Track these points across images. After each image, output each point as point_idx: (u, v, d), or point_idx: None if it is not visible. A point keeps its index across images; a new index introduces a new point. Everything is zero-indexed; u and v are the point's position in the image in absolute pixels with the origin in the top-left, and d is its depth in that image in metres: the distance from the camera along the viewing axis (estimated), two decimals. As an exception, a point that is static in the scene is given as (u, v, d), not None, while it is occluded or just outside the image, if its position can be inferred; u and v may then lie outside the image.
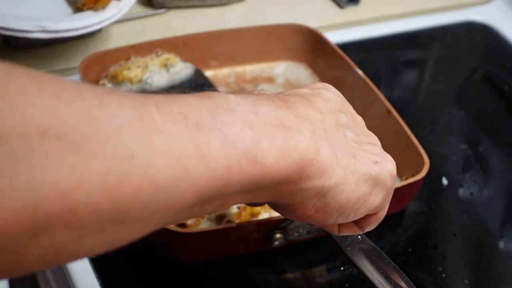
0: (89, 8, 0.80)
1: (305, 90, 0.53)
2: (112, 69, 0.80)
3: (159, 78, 0.81)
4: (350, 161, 0.50)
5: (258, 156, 0.42)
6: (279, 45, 0.87)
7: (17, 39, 0.84)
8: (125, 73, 0.79)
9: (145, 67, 0.80)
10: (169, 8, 0.96)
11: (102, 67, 0.80)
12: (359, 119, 0.56)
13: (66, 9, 0.83)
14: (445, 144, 0.85)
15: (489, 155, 0.84)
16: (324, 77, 0.86)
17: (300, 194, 0.47)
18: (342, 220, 0.52)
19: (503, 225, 0.77)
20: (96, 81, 0.80)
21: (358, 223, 0.55)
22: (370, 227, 0.56)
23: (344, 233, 0.55)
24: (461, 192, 0.79)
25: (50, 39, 0.81)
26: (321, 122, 0.49)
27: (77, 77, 0.78)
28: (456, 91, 0.95)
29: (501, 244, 0.75)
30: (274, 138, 0.44)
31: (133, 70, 0.79)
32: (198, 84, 0.82)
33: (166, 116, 0.39)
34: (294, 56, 0.88)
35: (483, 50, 1.04)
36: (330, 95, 0.53)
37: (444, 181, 0.80)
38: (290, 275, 0.68)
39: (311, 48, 0.87)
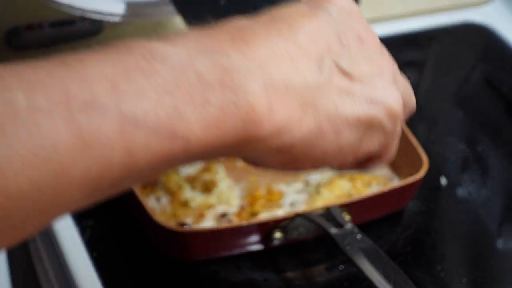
0: None
1: (301, 8, 0.42)
2: None
3: None
4: (330, 105, 0.40)
5: (178, 132, 0.35)
6: (279, 45, 0.87)
7: (17, 39, 0.84)
8: None
9: None
10: (169, 8, 0.96)
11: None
12: (371, 39, 0.44)
13: None
14: (444, 144, 0.85)
15: (488, 155, 0.84)
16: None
17: (251, 154, 0.40)
18: (326, 168, 0.44)
19: (501, 224, 0.77)
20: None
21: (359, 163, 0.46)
22: (373, 169, 0.48)
23: (344, 169, 0.46)
24: (460, 191, 0.79)
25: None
26: (291, 60, 0.39)
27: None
28: (455, 92, 0.95)
29: (500, 243, 0.75)
30: (206, 104, 0.35)
31: None
32: None
33: (39, 101, 0.32)
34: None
35: (482, 51, 1.03)
36: (335, 10, 0.43)
37: (443, 180, 0.80)
38: (290, 274, 0.69)
39: (311, 48, 0.87)
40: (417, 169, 0.71)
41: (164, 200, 0.69)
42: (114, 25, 0.92)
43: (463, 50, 1.01)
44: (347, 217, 0.66)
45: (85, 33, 0.89)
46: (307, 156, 0.41)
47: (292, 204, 0.70)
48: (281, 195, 0.71)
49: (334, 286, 0.68)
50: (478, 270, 0.72)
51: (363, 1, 1.01)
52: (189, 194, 0.69)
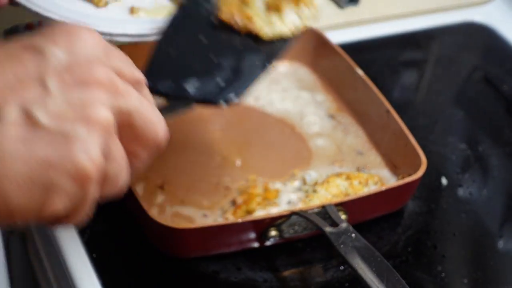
0: None
1: (11, 48, 0.41)
2: None
3: None
4: None
5: None
6: (279, 45, 0.87)
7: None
8: None
9: None
10: (169, 8, 0.96)
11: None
12: (102, 83, 0.40)
13: None
14: (444, 144, 0.85)
15: (488, 155, 0.84)
16: (324, 77, 0.87)
17: None
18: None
19: (502, 224, 0.77)
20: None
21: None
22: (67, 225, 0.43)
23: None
24: (461, 191, 0.79)
25: None
26: None
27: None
28: (456, 91, 0.95)
29: (500, 244, 0.75)
30: None
31: None
32: None
33: None
34: (294, 56, 0.88)
35: (483, 50, 1.03)
36: (59, 52, 0.40)
37: (444, 181, 0.80)
38: (287, 274, 0.69)
39: (312, 48, 0.87)
40: (416, 169, 0.71)
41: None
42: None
43: (464, 50, 1.01)
44: (343, 216, 0.66)
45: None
46: None
47: (288, 203, 0.70)
48: (277, 193, 0.71)
49: (334, 286, 0.68)
50: (479, 270, 0.72)
51: (363, 1, 1.01)
52: None
